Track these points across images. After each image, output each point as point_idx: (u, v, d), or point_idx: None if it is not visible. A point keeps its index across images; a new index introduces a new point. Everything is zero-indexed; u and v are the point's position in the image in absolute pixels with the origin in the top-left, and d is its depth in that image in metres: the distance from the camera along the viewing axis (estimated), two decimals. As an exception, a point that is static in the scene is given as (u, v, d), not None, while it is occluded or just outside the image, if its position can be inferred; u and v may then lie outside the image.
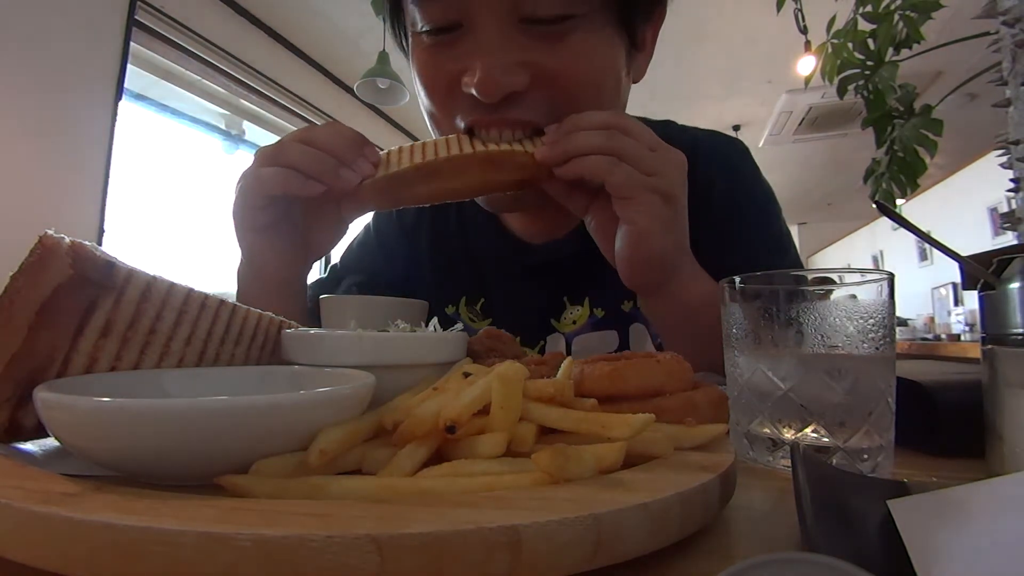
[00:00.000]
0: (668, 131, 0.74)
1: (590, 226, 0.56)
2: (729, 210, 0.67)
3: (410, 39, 0.58)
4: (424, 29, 0.52)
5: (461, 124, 0.55)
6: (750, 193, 0.70)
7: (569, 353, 0.70)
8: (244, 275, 0.59)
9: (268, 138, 3.34)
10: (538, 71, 0.51)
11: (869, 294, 0.34)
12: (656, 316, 0.59)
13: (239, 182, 0.54)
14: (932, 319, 5.67)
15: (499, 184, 0.55)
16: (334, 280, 0.82)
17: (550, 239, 0.70)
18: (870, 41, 1.23)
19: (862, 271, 0.34)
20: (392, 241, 0.80)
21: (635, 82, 0.63)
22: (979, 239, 4.54)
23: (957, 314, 5.17)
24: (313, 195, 0.51)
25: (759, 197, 0.71)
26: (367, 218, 0.85)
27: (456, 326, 0.45)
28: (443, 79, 0.54)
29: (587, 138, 0.48)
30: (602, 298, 0.68)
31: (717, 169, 0.69)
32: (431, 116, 0.60)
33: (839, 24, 1.33)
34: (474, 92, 0.50)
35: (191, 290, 0.33)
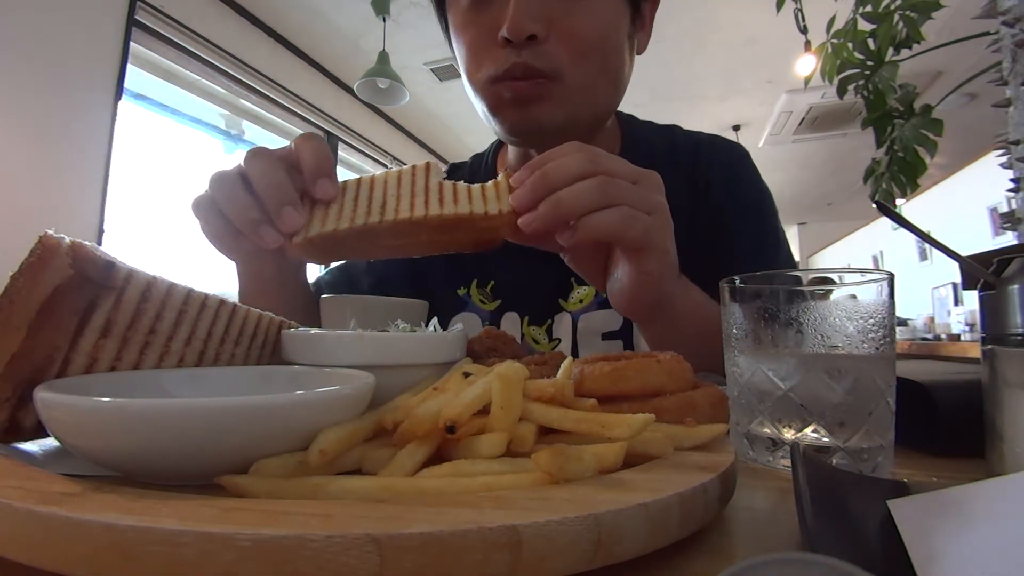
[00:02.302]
0: (673, 135, 0.78)
1: (566, 259, 0.52)
2: (726, 208, 0.70)
3: (450, 12, 0.66)
4: None
5: (497, 73, 0.60)
6: (747, 192, 0.73)
7: (575, 330, 0.72)
8: (241, 274, 0.58)
9: (268, 138, 3.34)
10: (555, 23, 0.58)
11: (869, 294, 0.34)
12: (650, 333, 0.59)
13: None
14: (932, 319, 5.66)
15: (456, 244, 0.49)
16: (349, 273, 0.83)
17: None
18: (870, 41, 1.23)
19: (862, 271, 0.34)
20: None
21: (639, 53, 0.69)
22: (979, 239, 4.54)
23: (957, 314, 5.16)
24: (243, 251, 0.48)
25: (755, 196, 0.73)
26: None
27: (456, 325, 0.45)
28: (481, 34, 0.61)
29: (578, 196, 0.43)
30: None
31: (717, 169, 0.72)
32: (471, 79, 0.65)
33: (839, 24, 1.33)
34: (505, 33, 0.57)
35: (191, 290, 0.33)
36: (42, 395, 0.24)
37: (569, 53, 0.59)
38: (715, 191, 0.71)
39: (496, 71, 0.60)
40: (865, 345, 0.34)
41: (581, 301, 0.72)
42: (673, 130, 0.79)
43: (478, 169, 0.83)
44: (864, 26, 1.25)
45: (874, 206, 0.40)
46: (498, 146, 0.84)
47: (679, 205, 0.65)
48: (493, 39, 0.59)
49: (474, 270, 0.76)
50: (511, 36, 0.56)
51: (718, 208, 0.70)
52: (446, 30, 0.69)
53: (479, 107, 0.67)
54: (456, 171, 0.86)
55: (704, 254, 0.56)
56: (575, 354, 0.71)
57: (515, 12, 0.55)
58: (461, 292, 0.76)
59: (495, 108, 0.63)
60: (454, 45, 0.67)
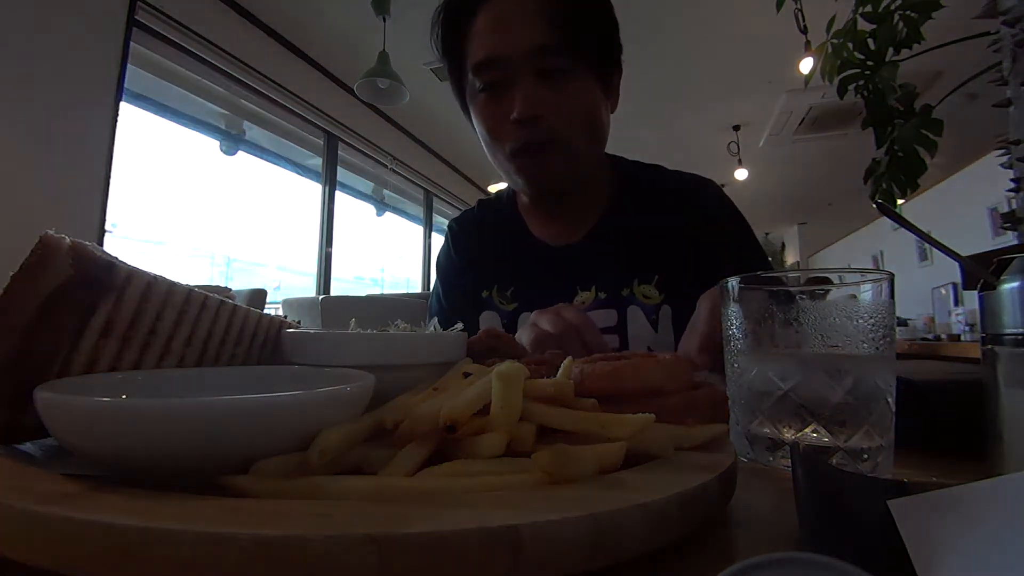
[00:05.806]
0: (660, 175, 0.96)
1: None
2: (726, 233, 0.88)
3: (470, 100, 0.86)
4: (480, 88, 0.82)
5: (515, 147, 0.80)
6: (740, 220, 0.91)
7: None
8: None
9: (268, 138, 3.34)
10: (550, 106, 0.78)
11: (869, 294, 0.34)
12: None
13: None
14: (932, 319, 5.65)
15: None
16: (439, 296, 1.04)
17: (566, 242, 0.93)
18: (870, 41, 1.23)
19: (862, 271, 0.34)
20: (461, 257, 1.02)
21: (612, 112, 0.89)
22: (979, 239, 4.54)
23: (957, 314, 5.15)
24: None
25: (746, 229, 0.91)
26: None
27: (457, 326, 0.45)
28: (497, 119, 0.81)
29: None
30: (606, 284, 0.87)
31: (702, 205, 0.90)
32: (491, 150, 0.85)
33: (839, 24, 1.33)
34: (516, 116, 0.77)
35: (191, 290, 0.33)
36: (42, 395, 0.24)
37: (563, 125, 0.79)
38: (707, 229, 0.86)
39: (515, 145, 0.80)
40: (865, 345, 0.34)
41: (583, 302, 0.88)
42: (659, 170, 0.97)
43: (502, 204, 1.03)
44: (864, 26, 1.25)
45: (874, 206, 0.40)
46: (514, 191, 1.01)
47: (673, 236, 0.86)
48: (507, 120, 0.79)
49: (497, 277, 0.95)
50: (521, 119, 0.77)
51: (713, 242, 0.85)
52: (464, 108, 0.89)
53: (501, 168, 0.86)
54: (484, 205, 1.05)
55: (712, 272, 0.64)
56: None
57: (521, 103, 0.77)
58: (484, 295, 0.95)
59: (519, 170, 0.83)
60: (474, 121, 0.87)
